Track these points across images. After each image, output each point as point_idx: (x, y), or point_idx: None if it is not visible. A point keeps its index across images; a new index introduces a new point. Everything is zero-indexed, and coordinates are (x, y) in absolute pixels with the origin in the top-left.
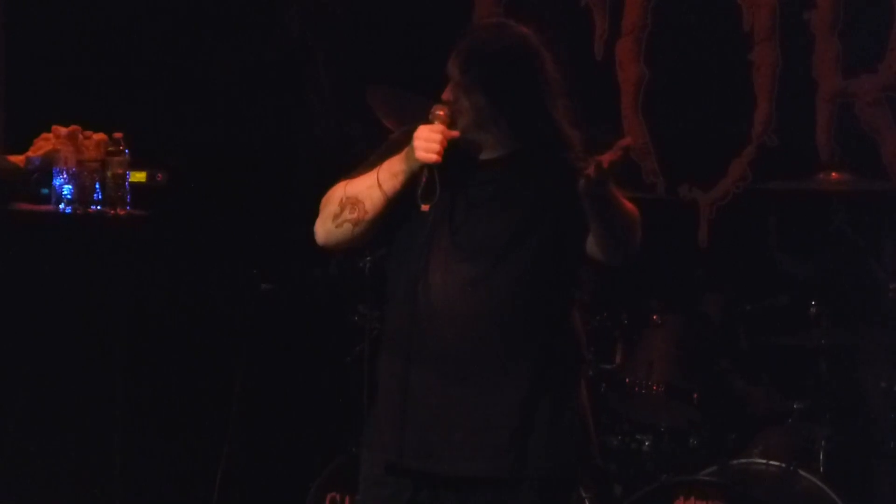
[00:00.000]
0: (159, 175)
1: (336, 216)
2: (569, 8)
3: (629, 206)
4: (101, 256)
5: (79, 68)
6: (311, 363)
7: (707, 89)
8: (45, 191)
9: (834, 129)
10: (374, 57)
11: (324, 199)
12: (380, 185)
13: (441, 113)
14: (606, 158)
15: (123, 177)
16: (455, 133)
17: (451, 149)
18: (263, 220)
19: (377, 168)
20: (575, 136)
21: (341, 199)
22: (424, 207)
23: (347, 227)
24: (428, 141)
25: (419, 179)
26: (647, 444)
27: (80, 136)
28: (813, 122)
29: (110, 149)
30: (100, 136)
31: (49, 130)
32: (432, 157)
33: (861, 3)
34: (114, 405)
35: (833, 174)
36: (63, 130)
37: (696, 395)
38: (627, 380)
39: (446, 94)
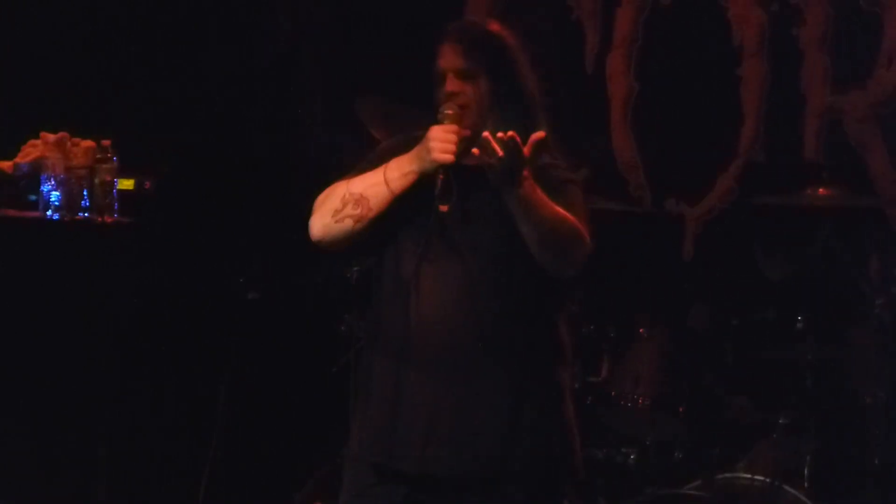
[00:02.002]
0: (147, 183)
1: (337, 212)
2: (560, 21)
3: (564, 216)
4: (88, 263)
5: (67, 75)
6: (297, 373)
7: (695, 104)
8: (33, 197)
9: (822, 144)
10: (365, 64)
11: (321, 197)
12: (387, 184)
13: (451, 112)
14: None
15: (111, 184)
16: (467, 132)
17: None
18: (251, 229)
19: (383, 167)
20: (551, 135)
21: (344, 195)
22: (443, 208)
23: (348, 223)
24: (444, 141)
25: (433, 181)
26: (632, 457)
27: (69, 143)
28: (801, 137)
29: (98, 156)
30: (88, 143)
31: (37, 137)
32: (449, 157)
33: (850, 19)
34: (98, 413)
35: (820, 190)
36: (51, 137)
37: (681, 409)
38: (613, 393)
39: (449, 86)
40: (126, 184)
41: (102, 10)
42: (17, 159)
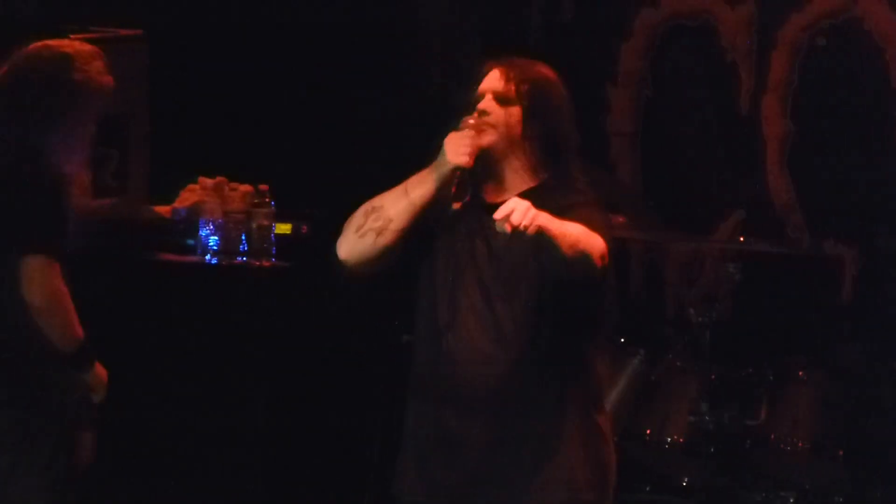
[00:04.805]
0: (304, 227)
1: (359, 227)
2: (715, 63)
3: (577, 234)
4: (246, 307)
5: (225, 119)
6: None
7: (852, 145)
8: (191, 242)
9: None
10: None
11: (348, 220)
12: (407, 192)
13: (472, 122)
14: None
15: (269, 228)
16: (484, 142)
17: (472, 177)
18: (406, 272)
19: (405, 181)
20: (582, 179)
21: (366, 209)
22: (456, 205)
23: (370, 236)
24: (459, 144)
25: (449, 186)
26: (791, 501)
27: (226, 188)
28: None
29: (256, 200)
30: (245, 187)
31: (195, 182)
32: (464, 158)
33: None
34: (254, 453)
35: None
36: (209, 182)
37: (841, 453)
38: (772, 436)
39: (483, 104)
40: (283, 228)
41: (257, 61)
42: (176, 204)
